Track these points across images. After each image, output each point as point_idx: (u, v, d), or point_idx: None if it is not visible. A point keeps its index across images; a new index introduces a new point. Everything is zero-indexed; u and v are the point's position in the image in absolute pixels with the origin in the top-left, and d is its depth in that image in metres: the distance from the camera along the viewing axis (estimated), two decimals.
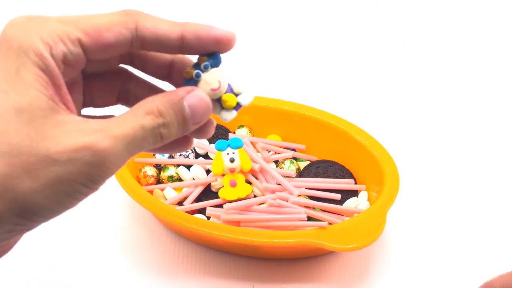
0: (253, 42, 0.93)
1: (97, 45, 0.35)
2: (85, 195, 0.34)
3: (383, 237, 0.63)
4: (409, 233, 0.65)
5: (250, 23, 0.95)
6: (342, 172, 0.66)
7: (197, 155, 0.67)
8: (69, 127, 0.33)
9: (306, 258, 0.61)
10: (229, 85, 0.39)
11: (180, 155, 0.66)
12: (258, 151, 0.67)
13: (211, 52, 0.38)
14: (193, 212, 0.62)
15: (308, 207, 0.61)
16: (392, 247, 0.63)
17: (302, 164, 0.67)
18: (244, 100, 0.41)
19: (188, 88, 0.37)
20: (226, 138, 0.66)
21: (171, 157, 0.66)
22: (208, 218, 0.61)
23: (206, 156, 0.67)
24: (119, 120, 0.35)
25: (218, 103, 0.39)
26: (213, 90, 0.39)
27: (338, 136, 0.68)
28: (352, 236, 0.56)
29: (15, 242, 0.36)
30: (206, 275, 0.60)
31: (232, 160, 0.61)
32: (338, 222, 0.59)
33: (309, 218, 0.60)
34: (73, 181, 0.33)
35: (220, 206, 0.61)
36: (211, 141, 0.68)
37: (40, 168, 0.32)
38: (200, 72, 0.38)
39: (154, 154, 0.67)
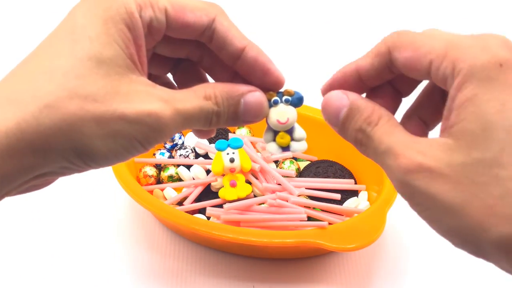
0: (252, 41, 0.93)
1: (178, 21, 0.38)
2: (138, 152, 0.37)
3: (383, 237, 0.63)
4: (409, 233, 0.64)
5: (249, 23, 0.95)
6: (342, 172, 0.66)
7: (197, 155, 0.67)
8: (140, 88, 0.36)
9: (306, 258, 0.61)
10: (293, 127, 0.42)
11: (180, 155, 0.66)
12: (258, 151, 0.67)
13: (298, 93, 0.42)
14: (193, 212, 0.62)
15: (308, 207, 0.61)
16: (392, 247, 0.63)
17: (302, 164, 0.67)
18: (295, 147, 0.43)
19: (251, 87, 0.39)
20: (226, 138, 0.66)
21: (171, 157, 0.66)
22: (208, 218, 0.61)
23: (206, 156, 0.67)
24: (182, 95, 0.37)
25: (274, 135, 0.42)
26: (279, 122, 0.41)
27: (338, 136, 0.67)
28: (352, 236, 0.56)
29: (54, 180, 0.39)
30: (206, 275, 0.60)
31: (232, 160, 0.61)
32: (338, 222, 0.59)
33: (309, 218, 0.60)
34: (134, 138, 0.35)
35: (220, 206, 0.61)
36: (211, 141, 0.68)
37: (109, 119, 0.34)
38: (279, 101, 0.41)
39: (154, 154, 0.67)
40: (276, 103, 0.41)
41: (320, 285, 0.59)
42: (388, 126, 0.37)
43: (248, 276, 0.60)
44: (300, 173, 0.66)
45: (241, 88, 0.39)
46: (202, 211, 0.62)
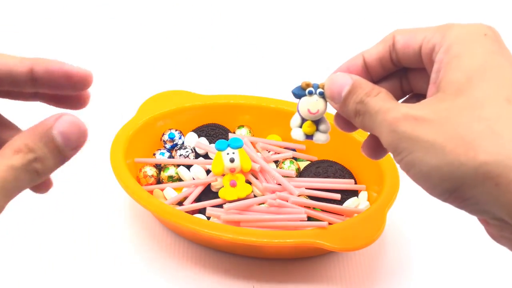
0: (253, 42, 0.93)
1: None
2: None
3: (383, 237, 0.63)
4: (409, 233, 0.65)
5: (249, 23, 0.95)
6: (342, 172, 0.66)
7: (197, 155, 0.67)
8: None
9: (306, 258, 0.61)
10: (320, 119, 0.45)
11: (180, 155, 0.66)
12: (258, 151, 0.67)
13: None
14: (193, 212, 0.62)
15: (308, 207, 0.61)
16: (392, 247, 0.63)
17: (302, 164, 0.67)
18: (318, 138, 0.46)
19: (56, 115, 0.35)
20: (226, 138, 0.66)
21: (171, 157, 0.66)
22: (208, 218, 0.61)
23: (206, 156, 0.67)
24: None
25: (301, 122, 0.45)
26: (309, 111, 0.44)
27: (338, 136, 0.67)
28: (352, 236, 0.56)
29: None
30: (206, 275, 0.60)
31: (232, 160, 0.61)
32: (338, 222, 0.59)
33: (309, 218, 0.60)
34: None
35: (220, 206, 0.61)
36: (211, 141, 0.68)
37: None
38: (313, 91, 0.44)
39: (154, 154, 0.67)
40: (310, 93, 0.44)
41: (320, 285, 0.59)
42: (385, 97, 0.40)
43: (248, 276, 0.60)
44: (300, 173, 0.66)
45: (47, 121, 0.35)
46: (202, 211, 0.62)
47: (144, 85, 0.83)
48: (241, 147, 0.62)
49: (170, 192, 0.63)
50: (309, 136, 0.46)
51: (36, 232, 0.63)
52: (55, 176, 0.66)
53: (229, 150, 0.62)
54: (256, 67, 0.88)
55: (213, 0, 0.98)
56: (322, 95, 0.44)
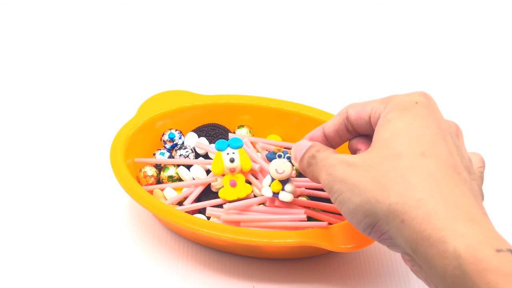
0: (253, 42, 0.93)
1: None
2: None
3: None
4: None
5: (250, 23, 0.95)
6: None
7: (197, 155, 0.67)
8: None
9: (306, 258, 0.61)
10: (287, 180, 0.56)
11: (180, 155, 0.66)
12: (258, 151, 0.67)
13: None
14: (193, 212, 0.62)
15: (308, 207, 0.61)
16: None
17: None
18: (282, 197, 0.56)
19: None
20: (226, 138, 0.66)
21: (171, 157, 0.66)
22: (208, 218, 0.61)
23: (206, 156, 0.67)
24: None
25: (271, 181, 0.57)
26: (276, 171, 0.55)
27: None
28: (352, 236, 0.56)
29: None
30: (206, 275, 0.60)
31: (232, 160, 0.61)
32: (338, 222, 0.59)
33: (309, 218, 0.60)
34: None
35: (220, 206, 0.61)
36: (211, 141, 0.68)
37: None
38: (282, 155, 0.56)
39: (154, 154, 0.67)
40: (280, 156, 0.55)
41: (320, 285, 0.59)
42: (331, 152, 0.50)
43: (248, 276, 0.60)
44: (300, 173, 0.66)
45: None
46: (202, 211, 0.62)
47: (144, 85, 0.83)
48: (241, 147, 0.62)
49: (170, 192, 0.63)
50: (275, 194, 0.56)
51: (35, 232, 0.63)
52: (55, 175, 0.66)
53: (229, 150, 0.62)
54: (256, 67, 0.88)
55: (213, 0, 0.98)
56: (289, 159, 0.54)
